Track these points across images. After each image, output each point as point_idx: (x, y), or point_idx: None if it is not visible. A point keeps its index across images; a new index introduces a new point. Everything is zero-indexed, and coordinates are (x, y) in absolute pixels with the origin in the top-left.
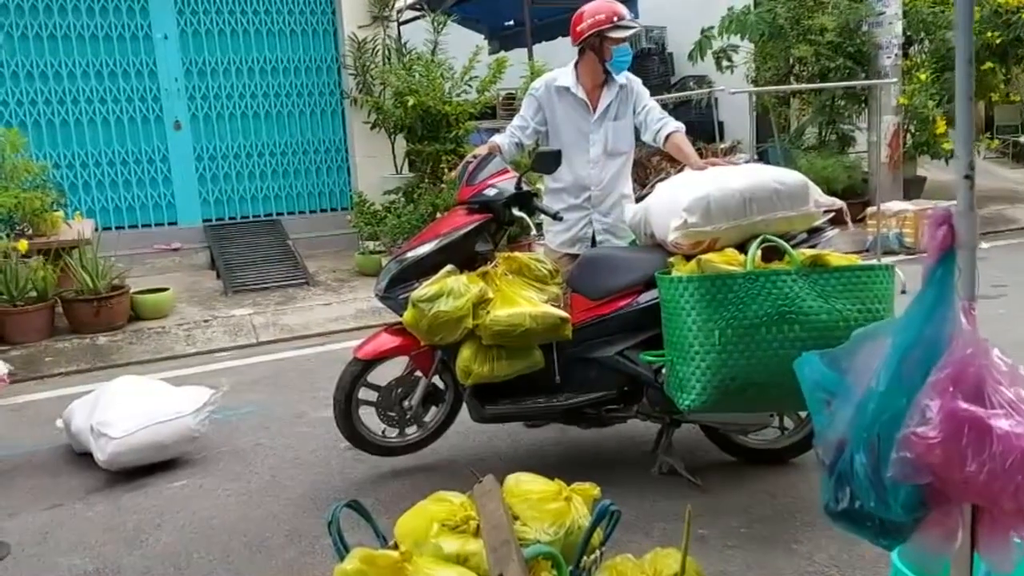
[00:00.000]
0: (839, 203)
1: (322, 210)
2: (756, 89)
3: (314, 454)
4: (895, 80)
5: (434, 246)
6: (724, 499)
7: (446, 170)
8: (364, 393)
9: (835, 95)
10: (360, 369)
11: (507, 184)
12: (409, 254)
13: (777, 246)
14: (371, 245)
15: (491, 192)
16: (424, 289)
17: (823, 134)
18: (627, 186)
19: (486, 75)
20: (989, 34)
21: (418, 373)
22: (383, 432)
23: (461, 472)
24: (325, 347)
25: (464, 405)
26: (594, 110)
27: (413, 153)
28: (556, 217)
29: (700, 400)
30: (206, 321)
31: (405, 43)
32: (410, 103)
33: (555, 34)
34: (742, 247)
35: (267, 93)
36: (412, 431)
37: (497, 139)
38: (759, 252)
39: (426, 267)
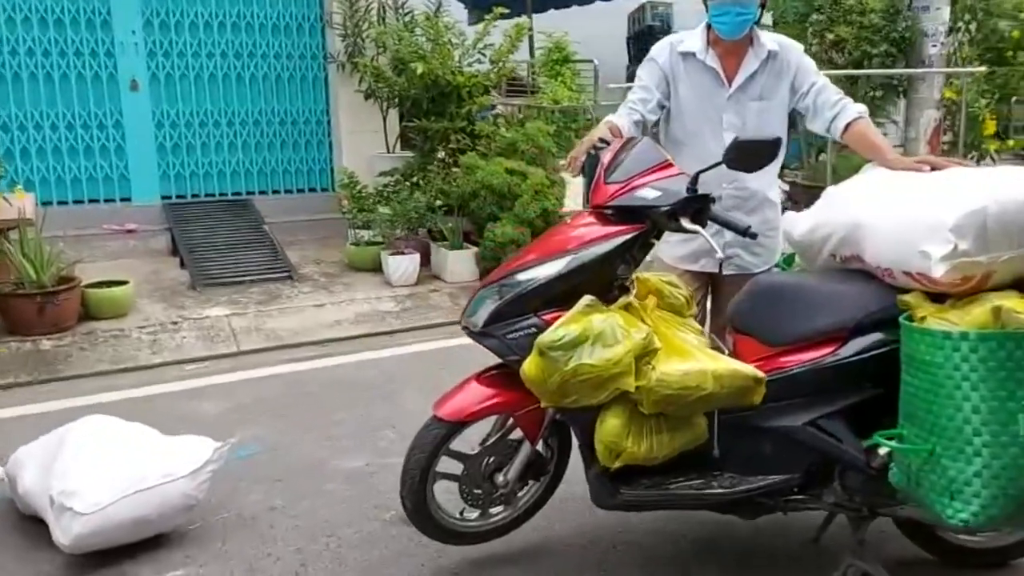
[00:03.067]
0: None
1: (299, 190)
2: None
3: (352, 529)
4: (977, 70)
5: (564, 267)
6: None
7: (456, 152)
8: (444, 463)
9: (872, 85)
10: (444, 433)
11: (675, 184)
12: (520, 276)
13: None
14: (365, 235)
15: (651, 194)
16: (558, 331)
17: None
18: (772, 188)
19: (502, 43)
20: None
21: (516, 435)
22: (461, 512)
23: (562, 566)
24: (325, 360)
25: (557, 477)
26: (729, 83)
27: (415, 130)
28: (748, 234)
29: (987, 513)
30: (174, 323)
31: (404, 3)
32: (418, 71)
33: (547, 6)
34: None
35: (239, 53)
36: (497, 511)
37: (613, 119)
38: None
39: (548, 295)
